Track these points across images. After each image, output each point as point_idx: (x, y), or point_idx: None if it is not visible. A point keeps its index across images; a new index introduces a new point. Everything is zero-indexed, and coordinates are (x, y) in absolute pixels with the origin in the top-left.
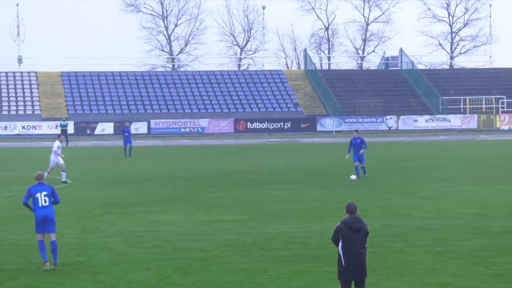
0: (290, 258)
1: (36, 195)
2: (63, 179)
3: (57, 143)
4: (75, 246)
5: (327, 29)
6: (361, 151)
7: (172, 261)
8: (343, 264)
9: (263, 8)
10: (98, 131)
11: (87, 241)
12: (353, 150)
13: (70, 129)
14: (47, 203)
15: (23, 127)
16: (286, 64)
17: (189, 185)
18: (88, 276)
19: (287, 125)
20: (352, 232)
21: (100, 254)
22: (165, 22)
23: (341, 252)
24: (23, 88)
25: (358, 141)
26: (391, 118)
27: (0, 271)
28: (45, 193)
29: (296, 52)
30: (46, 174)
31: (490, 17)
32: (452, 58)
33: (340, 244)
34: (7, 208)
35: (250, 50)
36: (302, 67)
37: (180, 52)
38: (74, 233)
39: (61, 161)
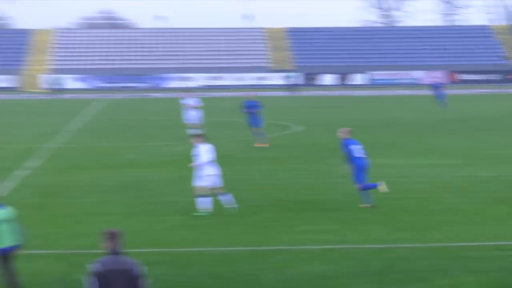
0: (507, 200)
1: (351, 147)
2: None
3: None
4: (307, 185)
5: None
6: None
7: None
8: None
9: None
10: (323, 82)
11: (319, 181)
12: None
13: (299, 80)
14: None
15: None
16: (492, 20)
17: (405, 130)
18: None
19: (496, 76)
20: None
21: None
22: None
23: None
24: (252, 43)
25: None
26: None
27: (243, 207)
28: (359, 146)
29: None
30: None
31: None
32: None
33: None
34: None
35: (460, 7)
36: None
37: (392, 9)
38: (307, 174)
39: None
